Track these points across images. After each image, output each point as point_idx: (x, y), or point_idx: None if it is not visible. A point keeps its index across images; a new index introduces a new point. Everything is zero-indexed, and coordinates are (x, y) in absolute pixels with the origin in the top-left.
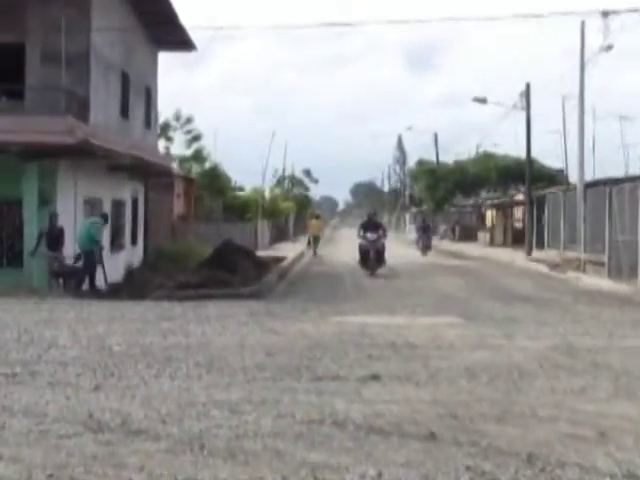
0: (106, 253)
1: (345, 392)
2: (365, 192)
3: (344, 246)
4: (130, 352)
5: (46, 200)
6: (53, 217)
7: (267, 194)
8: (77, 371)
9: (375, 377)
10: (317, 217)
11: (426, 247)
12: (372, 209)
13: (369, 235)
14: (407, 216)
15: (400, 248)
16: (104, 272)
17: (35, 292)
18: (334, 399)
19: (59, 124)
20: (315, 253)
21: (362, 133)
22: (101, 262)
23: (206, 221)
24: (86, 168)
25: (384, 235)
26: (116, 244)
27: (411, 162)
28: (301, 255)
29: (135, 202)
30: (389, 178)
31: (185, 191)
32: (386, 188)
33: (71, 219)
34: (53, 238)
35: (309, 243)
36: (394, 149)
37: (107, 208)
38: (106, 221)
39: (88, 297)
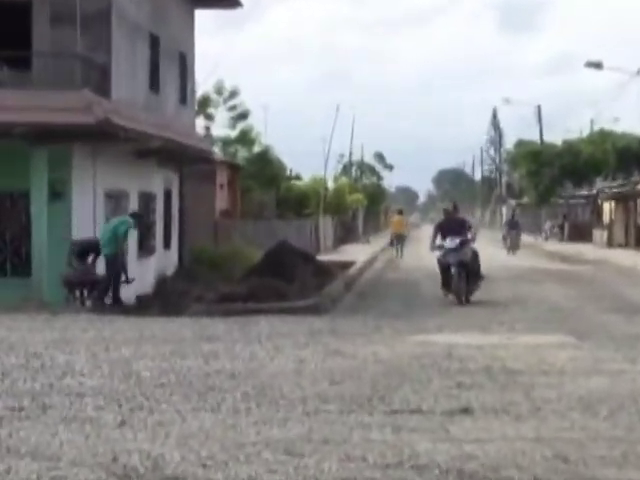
0: (132, 258)
1: (428, 428)
2: (451, 181)
3: (425, 248)
4: (163, 380)
5: (58, 193)
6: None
7: (330, 184)
8: (98, 403)
9: (465, 410)
10: (400, 212)
11: (514, 246)
12: (451, 202)
13: (448, 242)
14: (504, 210)
15: (490, 247)
16: (126, 275)
17: (46, 306)
18: (414, 437)
19: (74, 100)
20: (400, 255)
21: (447, 108)
22: (124, 267)
23: (255, 218)
24: (107, 154)
25: (472, 239)
26: (145, 247)
27: (509, 143)
28: (373, 259)
29: (168, 195)
30: (481, 163)
31: (229, 181)
32: (477, 176)
33: (89, 216)
34: (87, 250)
35: (391, 244)
36: (487, 127)
37: (133, 203)
38: (139, 223)
39: (111, 312)
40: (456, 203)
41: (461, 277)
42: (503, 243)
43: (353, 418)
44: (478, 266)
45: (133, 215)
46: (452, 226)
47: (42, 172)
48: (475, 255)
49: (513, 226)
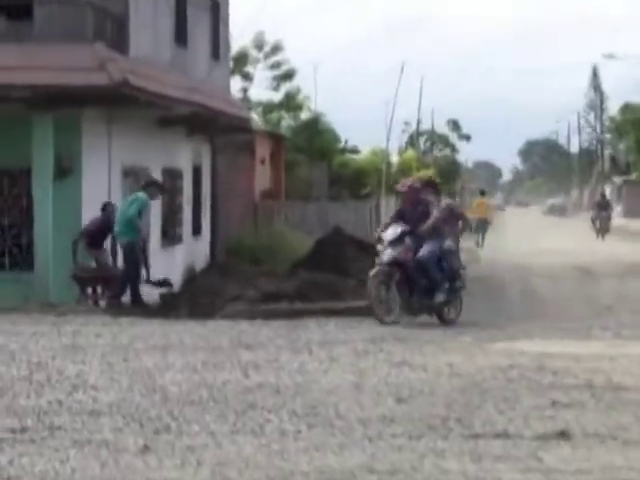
0: (155, 248)
1: (516, 456)
2: (542, 154)
3: (512, 236)
4: (193, 396)
5: (66, 169)
6: (107, 209)
7: (394, 158)
8: (115, 424)
9: (562, 434)
10: (483, 194)
11: (604, 229)
12: (426, 175)
13: (388, 232)
14: (607, 189)
15: (579, 232)
16: (147, 271)
17: (52, 307)
18: (499, 467)
19: (84, 56)
20: (481, 245)
21: (535, 66)
22: (145, 259)
23: (303, 199)
24: (125, 122)
25: (459, 231)
26: (169, 235)
27: (612, 108)
28: None
29: (198, 172)
30: (578, 133)
31: (272, 155)
32: (574, 147)
33: (103, 198)
34: (100, 234)
35: (473, 230)
36: (586, 89)
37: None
38: (160, 193)
39: (130, 314)
40: (432, 179)
41: (382, 285)
42: (592, 226)
43: (424, 443)
44: (452, 270)
45: (147, 185)
46: (415, 212)
47: (46, 144)
48: (445, 254)
49: (603, 207)
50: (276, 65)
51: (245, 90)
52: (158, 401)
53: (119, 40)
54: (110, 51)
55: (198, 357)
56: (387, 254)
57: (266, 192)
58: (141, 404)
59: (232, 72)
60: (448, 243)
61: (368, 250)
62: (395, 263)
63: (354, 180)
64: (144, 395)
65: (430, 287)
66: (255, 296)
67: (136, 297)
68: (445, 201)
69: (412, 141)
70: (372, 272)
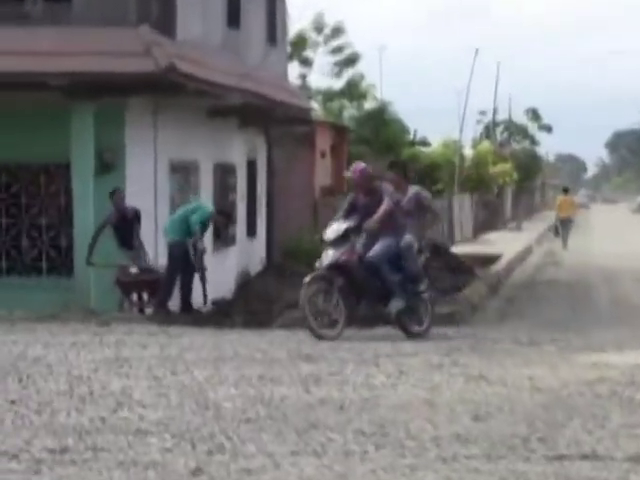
0: (209, 250)
1: None
2: (631, 146)
3: (598, 236)
4: (249, 413)
5: (108, 164)
6: (119, 196)
7: (468, 151)
8: (164, 444)
9: None
10: (566, 191)
11: None
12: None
13: (329, 230)
14: None
15: None
16: (203, 284)
17: (94, 315)
18: None
19: (127, 40)
20: (564, 246)
21: (625, 49)
22: (201, 270)
23: None
24: (172, 112)
25: (426, 226)
26: (222, 236)
27: None
28: (526, 251)
29: (252, 167)
30: None
31: (333, 148)
32: None
33: (148, 195)
34: (125, 229)
35: (556, 231)
36: None
37: (207, 176)
38: (224, 226)
39: (179, 322)
40: (400, 160)
41: (320, 294)
42: None
43: (504, 466)
44: (414, 272)
45: (219, 213)
46: (370, 203)
47: (86, 137)
48: (405, 252)
49: None
50: (337, 49)
51: (304, 77)
52: (210, 419)
53: (165, 22)
54: (155, 34)
55: (254, 370)
56: (328, 256)
57: (327, 188)
58: (192, 422)
59: (290, 57)
60: (408, 239)
61: (442, 253)
62: (336, 267)
63: (424, 175)
64: (195, 412)
65: (385, 293)
66: None
67: (186, 304)
68: (413, 189)
69: (488, 132)
70: (306, 279)
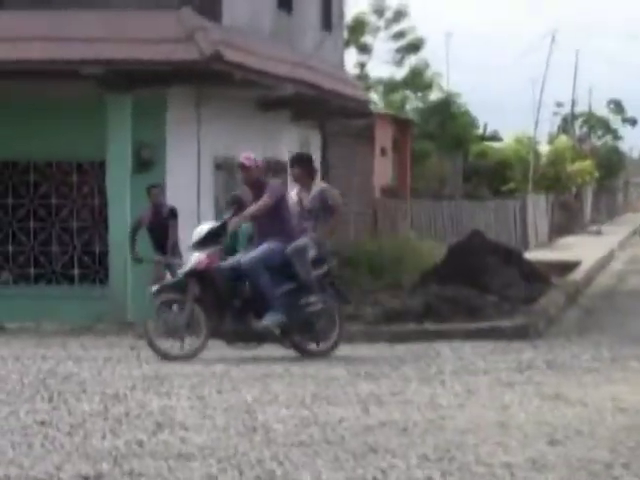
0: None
1: None
2: None
3: None
4: (302, 436)
5: (147, 161)
6: (154, 192)
7: (544, 147)
8: (208, 470)
9: None
10: None
11: None
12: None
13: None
14: None
15: None
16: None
17: (131, 327)
18: None
19: (168, 25)
20: None
21: None
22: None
23: (434, 197)
24: (217, 104)
25: (328, 226)
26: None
27: None
28: (608, 258)
29: None
30: None
31: (395, 144)
32: None
33: (191, 196)
34: (160, 230)
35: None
36: None
37: None
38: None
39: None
40: (304, 155)
41: (171, 304)
42: None
43: None
44: (303, 280)
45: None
46: (255, 200)
47: (123, 131)
48: (296, 257)
49: None
50: (400, 35)
51: (362, 65)
52: (259, 442)
53: (210, 5)
54: (199, 18)
55: (307, 389)
56: (189, 261)
57: (388, 189)
58: (239, 446)
59: (347, 44)
60: (299, 243)
61: (514, 260)
62: (195, 274)
63: (495, 174)
64: (242, 435)
65: (263, 305)
66: (375, 315)
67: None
68: (318, 186)
69: (565, 126)
70: (153, 288)
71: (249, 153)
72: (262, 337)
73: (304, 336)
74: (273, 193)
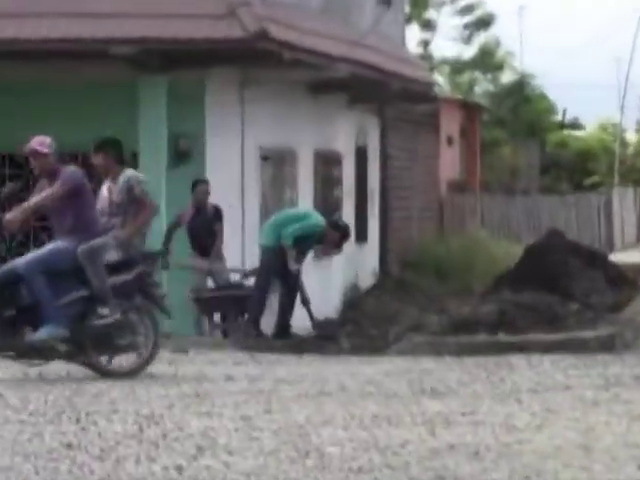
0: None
1: None
2: None
3: None
4: (361, 461)
5: (185, 152)
6: (201, 189)
7: (631, 136)
8: None
9: None
10: None
11: None
12: None
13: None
14: None
15: None
16: (307, 304)
17: (167, 339)
18: None
19: (206, 1)
20: None
21: None
22: (298, 285)
23: (507, 192)
24: (263, 88)
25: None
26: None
27: None
28: None
29: (362, 155)
30: None
31: (463, 132)
32: None
33: (234, 191)
34: (203, 232)
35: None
36: None
37: (305, 167)
38: (343, 236)
39: (273, 349)
40: (109, 139)
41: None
42: None
43: None
44: (95, 291)
45: (333, 225)
46: None
47: (158, 119)
48: (90, 259)
49: None
50: (467, 9)
51: (426, 43)
52: (312, 468)
53: None
54: None
55: (366, 408)
56: None
57: (455, 183)
58: (290, 472)
59: (408, 19)
60: (92, 244)
61: (597, 262)
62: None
63: (576, 165)
64: (294, 460)
65: (40, 315)
66: (442, 324)
67: (283, 326)
68: (126, 174)
69: None
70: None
71: (43, 137)
72: (42, 353)
73: (99, 353)
74: (66, 181)
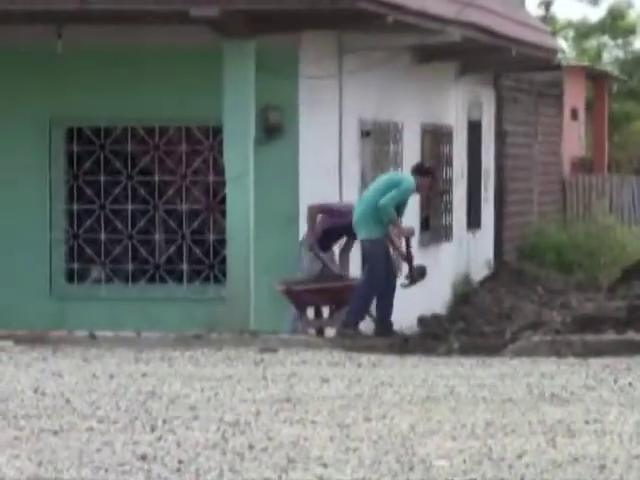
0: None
1: None
2: None
3: None
4: (473, 475)
5: (275, 127)
6: None
7: None
8: None
9: None
10: None
11: None
12: None
13: None
14: None
15: None
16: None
17: (254, 337)
18: None
19: None
20: None
21: None
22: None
23: (638, 173)
24: (363, 55)
25: None
26: (431, 228)
27: None
28: None
29: (475, 131)
30: None
31: (589, 104)
32: None
33: (331, 170)
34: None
35: None
36: None
37: (412, 143)
38: (431, 187)
39: (372, 348)
40: None
41: None
42: None
43: None
44: None
45: (417, 171)
46: None
47: (245, 89)
48: None
49: None
50: None
51: (548, 4)
52: None
53: None
54: None
55: (478, 415)
56: None
57: (580, 162)
58: None
59: None
60: None
61: None
62: None
63: None
64: (397, 473)
65: None
66: (565, 321)
67: (384, 323)
68: None
69: None
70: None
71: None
72: None
73: None
74: None
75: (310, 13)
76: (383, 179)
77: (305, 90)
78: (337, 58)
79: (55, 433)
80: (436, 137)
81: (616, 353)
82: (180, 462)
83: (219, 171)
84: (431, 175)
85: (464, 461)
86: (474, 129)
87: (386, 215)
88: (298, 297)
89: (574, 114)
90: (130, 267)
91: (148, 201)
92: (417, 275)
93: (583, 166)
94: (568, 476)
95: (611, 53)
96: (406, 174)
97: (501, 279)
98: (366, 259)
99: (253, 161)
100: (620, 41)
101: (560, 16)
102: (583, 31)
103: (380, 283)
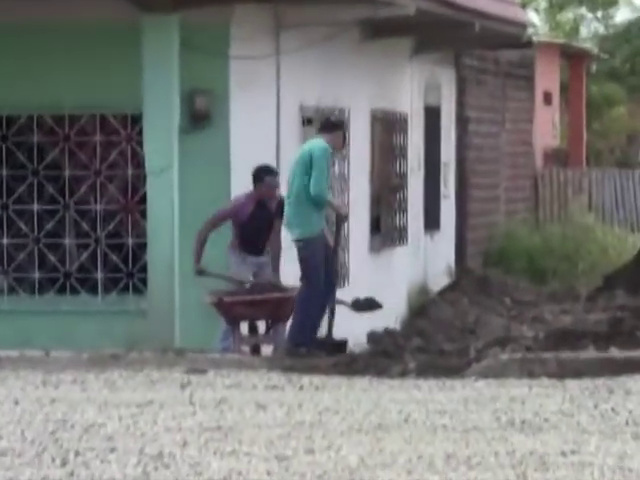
0: (355, 250)
1: None
2: None
3: None
4: None
5: (202, 114)
6: (270, 181)
7: None
8: None
9: None
10: None
11: None
12: None
13: None
14: None
15: None
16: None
17: (179, 356)
18: None
19: None
20: None
21: None
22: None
23: (622, 165)
24: (304, 32)
25: None
26: (383, 230)
27: None
28: None
29: (433, 117)
30: None
31: (565, 86)
32: None
33: (267, 162)
34: (263, 230)
35: None
36: None
37: (361, 131)
38: (339, 129)
39: (314, 368)
40: None
41: None
42: None
43: None
44: None
45: (325, 128)
46: None
47: (168, 71)
48: None
49: None
50: None
51: None
52: None
53: None
54: None
55: (438, 445)
56: None
57: (554, 153)
58: None
59: None
60: None
61: None
62: None
63: None
64: None
65: None
66: (537, 337)
67: (326, 336)
68: None
69: None
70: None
71: None
72: None
73: None
74: None
75: None
76: (295, 162)
77: (237, 72)
78: (274, 35)
79: None
80: (388, 125)
81: (596, 373)
82: None
83: (139, 165)
84: (341, 128)
85: None
86: (432, 115)
87: (323, 201)
88: (230, 310)
89: (547, 98)
90: (37, 276)
91: (57, 200)
92: (364, 306)
93: (558, 158)
94: None
95: (589, 27)
96: (313, 141)
97: (463, 288)
98: (301, 262)
99: (178, 153)
100: (600, 14)
101: None
102: (557, 2)
103: (315, 291)
